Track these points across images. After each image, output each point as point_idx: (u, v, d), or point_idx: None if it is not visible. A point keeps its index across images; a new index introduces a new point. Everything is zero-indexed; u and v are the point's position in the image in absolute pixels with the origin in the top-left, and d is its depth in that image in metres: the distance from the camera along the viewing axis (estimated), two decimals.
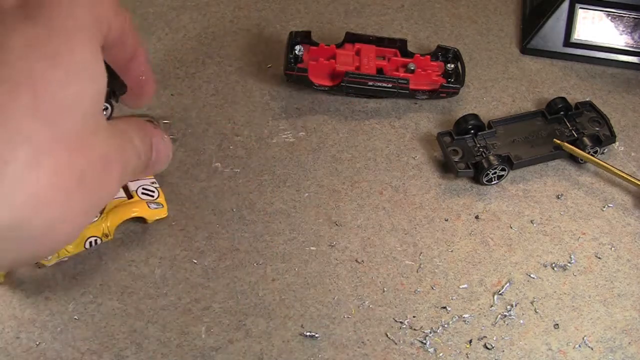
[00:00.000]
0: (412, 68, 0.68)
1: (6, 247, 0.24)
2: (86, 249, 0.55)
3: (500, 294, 0.57)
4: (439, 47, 0.71)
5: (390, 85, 0.67)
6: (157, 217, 0.58)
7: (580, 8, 0.73)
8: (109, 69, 0.32)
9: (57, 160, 0.24)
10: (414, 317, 0.55)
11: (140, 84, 0.35)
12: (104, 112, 0.32)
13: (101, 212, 0.55)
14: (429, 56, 0.70)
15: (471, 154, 0.64)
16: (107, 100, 0.32)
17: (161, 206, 0.58)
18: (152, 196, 0.58)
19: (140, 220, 0.58)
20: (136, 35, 0.33)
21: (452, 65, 0.70)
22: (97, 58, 0.27)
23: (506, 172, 0.63)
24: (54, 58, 0.24)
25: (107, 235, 0.56)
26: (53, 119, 0.24)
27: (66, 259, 0.55)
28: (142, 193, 0.58)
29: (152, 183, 0.59)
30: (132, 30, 0.32)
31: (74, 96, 0.25)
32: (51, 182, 0.24)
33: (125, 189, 0.58)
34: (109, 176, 0.27)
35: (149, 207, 0.57)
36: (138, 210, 0.56)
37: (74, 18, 0.26)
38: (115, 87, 0.33)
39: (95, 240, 0.55)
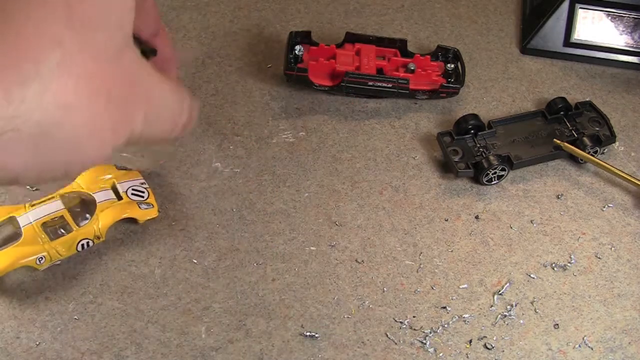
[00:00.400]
0: (412, 68, 0.68)
1: (38, 152, 0.25)
2: (78, 251, 0.55)
3: (500, 294, 0.57)
4: (439, 47, 0.71)
5: (390, 85, 0.67)
6: (148, 217, 0.58)
7: (580, 8, 0.73)
8: (136, 37, 0.32)
9: (85, 68, 0.25)
10: (414, 317, 0.55)
11: (166, 62, 0.36)
12: None
13: (92, 214, 0.55)
14: (429, 56, 0.70)
15: (471, 154, 0.64)
16: None
17: (151, 206, 0.58)
18: (142, 197, 0.58)
19: (134, 220, 0.58)
20: (158, 14, 0.33)
21: (452, 65, 0.70)
22: None
23: (506, 172, 0.63)
24: None
25: (98, 237, 0.56)
26: (84, 29, 0.25)
27: (59, 262, 0.55)
28: (132, 194, 0.58)
29: (142, 184, 0.59)
30: (155, 5, 0.33)
31: (104, 11, 0.26)
32: (79, 88, 0.25)
33: (115, 191, 0.58)
34: (134, 97, 0.28)
35: (139, 207, 0.57)
36: (129, 211, 0.57)
37: None
38: (146, 49, 0.33)
39: (87, 243, 0.55)
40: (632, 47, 0.73)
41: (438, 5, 0.80)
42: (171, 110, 0.32)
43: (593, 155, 0.64)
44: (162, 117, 0.32)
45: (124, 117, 0.28)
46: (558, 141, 0.64)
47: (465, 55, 0.72)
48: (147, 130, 0.30)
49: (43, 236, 0.53)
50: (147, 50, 0.34)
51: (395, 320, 0.55)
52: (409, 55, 0.70)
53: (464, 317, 0.55)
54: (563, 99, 0.67)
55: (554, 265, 0.59)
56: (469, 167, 0.62)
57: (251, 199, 0.61)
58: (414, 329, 0.54)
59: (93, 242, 0.56)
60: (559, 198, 0.63)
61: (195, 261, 0.57)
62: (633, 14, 0.73)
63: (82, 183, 0.57)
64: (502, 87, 0.72)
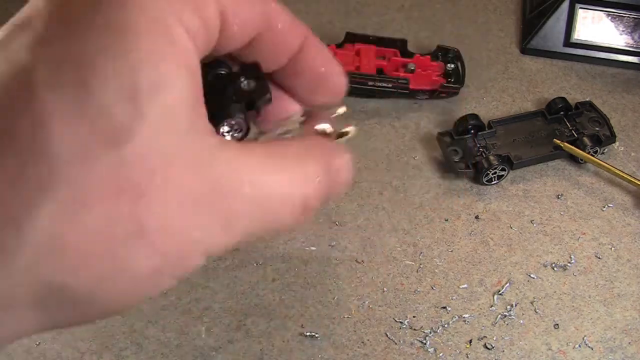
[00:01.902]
0: (412, 68, 0.68)
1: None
2: None
3: (500, 294, 0.57)
4: (439, 47, 0.71)
5: (390, 85, 0.67)
6: None
7: (580, 8, 0.73)
8: (246, 70, 0.24)
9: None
10: (414, 317, 0.55)
11: (322, 79, 0.26)
12: (235, 134, 0.24)
13: None
14: (429, 56, 0.70)
15: (471, 154, 0.64)
16: (240, 117, 0.24)
17: None
18: None
19: None
20: (298, 23, 0.24)
21: (452, 66, 0.70)
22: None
23: (506, 172, 0.63)
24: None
25: None
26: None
27: None
28: None
29: None
30: (286, 16, 0.24)
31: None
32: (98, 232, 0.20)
33: None
34: (204, 212, 0.21)
35: None
36: None
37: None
38: (256, 97, 0.25)
39: None
40: (632, 47, 0.73)
41: (438, 6, 0.80)
42: (282, 200, 0.23)
43: (593, 155, 0.64)
44: (268, 212, 0.22)
45: (180, 249, 0.21)
46: (558, 141, 0.64)
47: (465, 55, 0.72)
48: (244, 236, 0.22)
49: None
50: (258, 97, 0.25)
51: (395, 320, 0.55)
52: (409, 55, 0.70)
53: (464, 317, 0.55)
54: (563, 99, 0.67)
55: (554, 265, 0.59)
56: (469, 167, 0.62)
57: None
58: (414, 329, 0.54)
59: None
60: (559, 198, 0.63)
61: None
62: (633, 14, 0.73)
63: None
64: (502, 87, 0.72)
